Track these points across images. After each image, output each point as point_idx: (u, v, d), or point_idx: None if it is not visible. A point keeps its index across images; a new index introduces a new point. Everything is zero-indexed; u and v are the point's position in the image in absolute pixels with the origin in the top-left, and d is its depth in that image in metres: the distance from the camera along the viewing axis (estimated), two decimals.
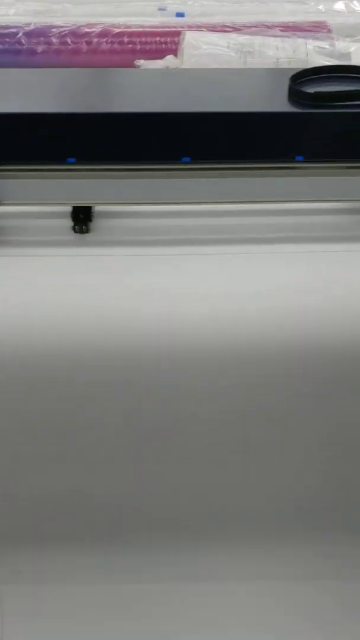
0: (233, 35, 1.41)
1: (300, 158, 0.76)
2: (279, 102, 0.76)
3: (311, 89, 0.76)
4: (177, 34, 1.51)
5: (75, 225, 0.85)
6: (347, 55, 1.37)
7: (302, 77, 0.78)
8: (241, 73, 0.98)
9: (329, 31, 1.51)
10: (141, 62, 1.47)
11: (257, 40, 1.40)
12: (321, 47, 1.39)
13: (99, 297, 0.80)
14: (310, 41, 1.42)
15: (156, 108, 0.77)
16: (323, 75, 0.80)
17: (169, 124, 0.75)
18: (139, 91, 0.83)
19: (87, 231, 0.85)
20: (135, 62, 1.47)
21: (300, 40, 1.42)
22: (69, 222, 0.86)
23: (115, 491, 0.91)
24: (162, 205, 0.85)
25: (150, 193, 0.81)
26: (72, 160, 0.76)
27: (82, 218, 0.85)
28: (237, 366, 0.79)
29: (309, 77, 0.79)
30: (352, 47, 1.39)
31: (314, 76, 0.80)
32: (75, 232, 0.85)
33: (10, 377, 0.79)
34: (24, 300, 0.79)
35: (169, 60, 1.48)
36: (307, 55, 1.37)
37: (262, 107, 0.75)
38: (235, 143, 0.76)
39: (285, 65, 1.34)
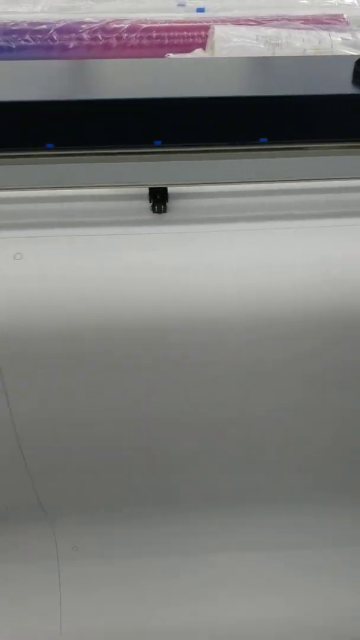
0: (261, 28, 1.48)
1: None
2: (345, 85, 0.83)
3: None
4: (203, 28, 1.58)
5: (154, 205, 0.91)
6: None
7: None
8: (298, 60, 1.04)
9: (347, 23, 1.58)
10: (171, 56, 1.53)
11: (284, 32, 1.47)
12: (345, 39, 1.47)
13: (183, 270, 0.86)
14: (333, 33, 1.49)
15: (234, 92, 0.83)
16: None
17: (250, 107, 0.81)
18: (220, 77, 0.89)
19: (164, 210, 0.91)
20: (166, 55, 1.53)
21: (324, 33, 1.49)
22: (146, 204, 0.91)
23: None
24: (233, 185, 0.91)
25: (228, 173, 0.87)
26: (159, 142, 0.82)
27: (159, 199, 0.91)
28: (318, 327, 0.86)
29: None
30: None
31: None
32: (154, 212, 0.91)
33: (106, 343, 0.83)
34: (114, 275, 0.85)
35: (198, 54, 1.54)
36: (332, 46, 1.44)
37: (335, 90, 0.81)
38: (309, 124, 0.82)
39: (311, 53, 1.41)
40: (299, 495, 1.18)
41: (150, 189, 0.91)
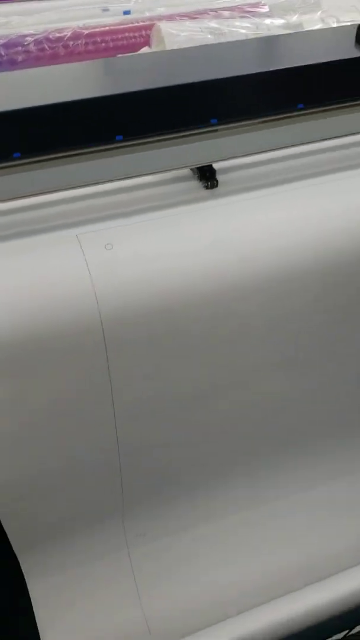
0: (204, 21, 1.58)
1: None
2: (350, 50, 0.96)
3: None
4: (144, 27, 1.65)
5: (207, 182, 0.98)
6: (300, 25, 1.60)
7: None
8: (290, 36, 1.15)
9: (269, 9, 1.73)
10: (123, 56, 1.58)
11: (224, 23, 1.59)
12: (276, 22, 1.61)
13: (252, 234, 0.94)
14: (264, 19, 1.63)
15: (262, 69, 0.92)
16: None
17: (286, 77, 0.91)
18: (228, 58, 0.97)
19: (216, 185, 0.98)
20: (117, 56, 1.59)
21: (258, 19, 1.62)
22: (196, 183, 0.99)
23: None
24: (269, 153, 1.00)
25: (263, 143, 0.97)
26: (214, 120, 0.90)
27: (208, 176, 0.98)
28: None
29: None
30: (302, 19, 1.62)
31: None
32: (207, 188, 0.98)
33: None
34: (195, 249, 0.91)
35: (146, 52, 1.61)
36: (269, 30, 1.58)
37: (334, 57, 0.93)
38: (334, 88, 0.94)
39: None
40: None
41: (199, 169, 0.99)
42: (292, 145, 1.00)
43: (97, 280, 0.85)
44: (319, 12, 1.62)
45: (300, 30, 1.58)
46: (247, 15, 1.68)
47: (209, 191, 0.98)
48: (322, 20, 1.61)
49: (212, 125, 0.91)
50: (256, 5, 1.74)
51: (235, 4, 1.75)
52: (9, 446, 0.94)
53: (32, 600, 1.21)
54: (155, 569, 1.31)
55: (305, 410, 1.18)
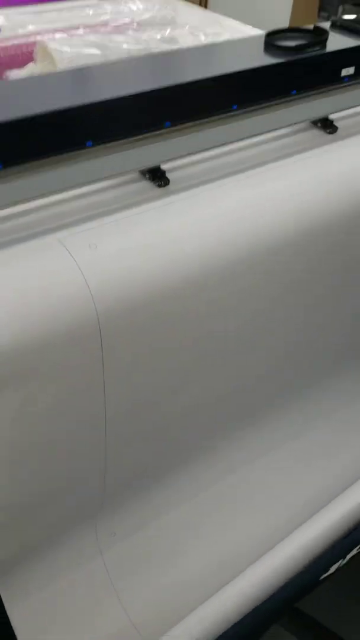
0: (88, 37, 1.65)
1: (294, 92, 1.12)
2: (261, 57, 1.10)
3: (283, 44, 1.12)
4: (24, 45, 1.68)
5: (159, 181, 1.05)
6: (174, 39, 1.74)
7: (273, 35, 1.13)
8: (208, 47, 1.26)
9: (139, 25, 1.84)
10: (12, 73, 1.61)
11: (105, 38, 1.67)
12: (153, 36, 1.72)
13: (203, 223, 1.03)
14: (138, 34, 1.74)
15: (202, 76, 1.02)
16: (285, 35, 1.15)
17: (220, 82, 1.02)
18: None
19: (168, 183, 1.06)
20: (5, 73, 1.60)
21: (135, 34, 1.73)
22: (148, 183, 1.06)
23: None
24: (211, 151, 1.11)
25: (205, 142, 1.07)
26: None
27: (159, 175, 1.06)
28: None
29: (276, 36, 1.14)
30: (174, 34, 1.75)
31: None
32: (159, 187, 1.06)
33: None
34: (165, 240, 0.98)
35: (33, 68, 1.64)
36: (147, 43, 1.69)
37: (260, 62, 1.07)
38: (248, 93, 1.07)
39: (136, 54, 1.63)
40: None
41: (149, 170, 1.06)
42: (229, 142, 1.11)
43: (89, 278, 0.89)
44: (187, 27, 1.77)
45: (175, 43, 1.71)
46: (121, 30, 1.77)
47: (162, 189, 1.06)
48: (192, 33, 1.76)
49: (166, 128, 1.00)
50: (125, 21, 1.84)
51: (105, 20, 1.84)
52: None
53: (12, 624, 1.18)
54: (129, 566, 1.34)
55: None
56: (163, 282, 0.95)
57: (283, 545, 1.22)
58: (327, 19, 4.56)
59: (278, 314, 1.20)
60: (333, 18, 1.30)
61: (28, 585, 1.24)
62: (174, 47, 1.69)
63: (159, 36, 1.69)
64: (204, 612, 1.16)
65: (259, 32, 1.29)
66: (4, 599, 1.06)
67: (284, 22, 4.08)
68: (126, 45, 1.62)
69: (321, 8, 4.46)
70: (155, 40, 1.67)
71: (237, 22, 1.98)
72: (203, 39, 1.67)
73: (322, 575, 1.19)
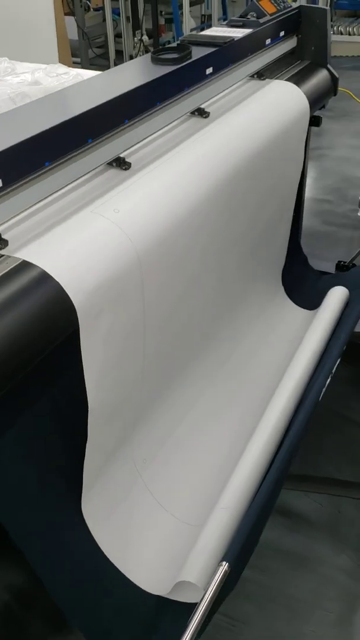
0: None
1: (185, 89, 1.59)
2: (148, 68, 1.55)
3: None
4: None
5: (123, 166, 1.43)
6: (37, 81, 2.10)
7: (156, 53, 1.58)
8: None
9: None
10: None
11: None
12: (24, 79, 2.07)
13: (178, 179, 1.45)
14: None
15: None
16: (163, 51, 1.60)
17: (144, 88, 1.44)
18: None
19: (130, 166, 1.44)
20: None
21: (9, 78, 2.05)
22: (116, 169, 1.43)
23: None
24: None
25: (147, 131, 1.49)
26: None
27: (122, 161, 1.44)
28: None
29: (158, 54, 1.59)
30: (36, 76, 2.12)
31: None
32: (123, 170, 1.43)
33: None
34: (156, 200, 1.37)
35: None
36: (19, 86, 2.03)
37: (148, 76, 1.50)
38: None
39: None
40: None
41: (115, 160, 1.43)
42: (150, 135, 1.54)
43: (125, 230, 1.25)
44: (46, 67, 2.14)
45: (39, 84, 2.07)
46: None
47: (127, 171, 1.44)
48: (48, 74, 2.13)
49: (125, 124, 1.39)
50: None
51: None
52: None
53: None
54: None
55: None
56: (164, 225, 1.34)
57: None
58: (79, 63, 5.28)
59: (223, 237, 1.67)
60: (153, 50, 1.80)
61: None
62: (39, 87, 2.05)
63: (30, 81, 2.04)
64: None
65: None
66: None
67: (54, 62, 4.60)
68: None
69: (72, 54, 5.18)
70: (26, 84, 2.01)
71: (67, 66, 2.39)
72: (66, 78, 2.06)
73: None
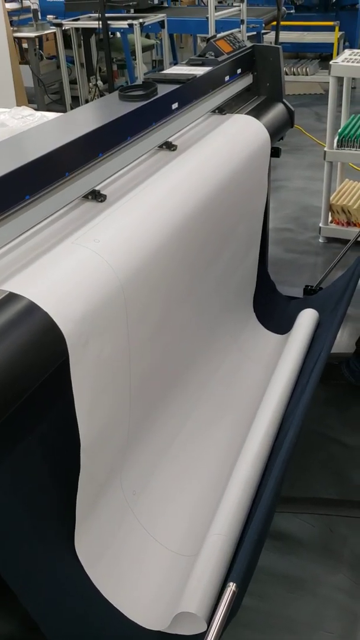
0: None
1: (153, 124, 1.63)
2: (117, 105, 1.59)
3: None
4: None
5: (98, 199, 1.45)
6: (3, 123, 2.12)
7: (123, 90, 1.62)
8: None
9: None
10: None
11: None
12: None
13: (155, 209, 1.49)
14: None
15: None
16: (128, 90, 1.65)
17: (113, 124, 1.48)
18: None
19: (105, 199, 1.47)
20: None
21: None
22: (91, 202, 1.45)
23: None
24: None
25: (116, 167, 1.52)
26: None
27: (98, 194, 1.46)
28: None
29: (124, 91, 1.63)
30: (0, 118, 2.14)
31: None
32: (99, 202, 1.45)
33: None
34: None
35: None
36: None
37: (118, 112, 1.54)
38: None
39: None
40: None
41: (90, 193, 1.45)
42: (122, 168, 1.57)
43: (107, 259, 1.26)
44: (11, 110, 2.17)
45: (10, 126, 2.09)
46: None
47: (103, 203, 1.46)
48: (13, 116, 2.16)
49: (99, 157, 1.42)
50: None
51: None
52: None
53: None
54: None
55: None
56: (142, 253, 1.37)
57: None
58: (35, 109, 5.41)
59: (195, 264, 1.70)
60: (121, 87, 1.86)
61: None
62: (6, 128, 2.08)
63: None
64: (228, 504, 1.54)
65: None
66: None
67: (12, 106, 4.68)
68: None
69: (29, 101, 5.30)
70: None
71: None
72: (31, 119, 2.09)
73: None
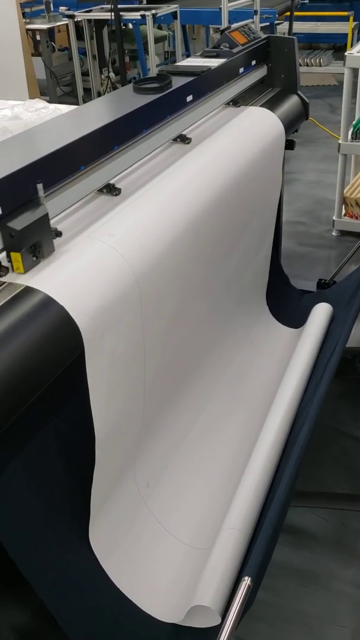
0: None
1: (168, 116, 1.62)
2: (132, 97, 1.58)
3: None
4: None
5: (114, 193, 1.45)
6: (17, 116, 2.13)
7: (138, 83, 1.62)
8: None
9: None
10: None
11: None
12: (5, 114, 2.09)
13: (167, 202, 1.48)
14: None
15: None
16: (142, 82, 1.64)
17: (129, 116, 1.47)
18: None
19: (120, 193, 1.46)
20: None
21: None
22: (107, 195, 1.44)
23: None
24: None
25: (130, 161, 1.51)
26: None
27: (112, 188, 1.46)
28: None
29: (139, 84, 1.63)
30: (15, 111, 2.14)
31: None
32: (114, 195, 1.45)
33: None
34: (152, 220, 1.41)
35: None
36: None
37: (133, 105, 1.53)
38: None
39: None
40: None
41: (105, 186, 1.45)
42: (137, 161, 1.56)
43: (122, 252, 1.26)
44: (25, 103, 2.17)
45: (19, 119, 2.10)
46: None
47: (119, 196, 1.46)
48: (27, 109, 2.16)
49: (114, 150, 1.41)
50: None
51: None
52: None
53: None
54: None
55: None
56: (157, 247, 1.36)
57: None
58: (48, 101, 5.40)
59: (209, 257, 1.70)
60: (135, 80, 1.85)
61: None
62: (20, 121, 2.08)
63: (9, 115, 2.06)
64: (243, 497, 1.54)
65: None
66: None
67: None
68: None
69: (41, 93, 5.30)
70: (7, 119, 2.03)
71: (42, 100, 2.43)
72: (45, 112, 2.09)
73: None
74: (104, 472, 1.35)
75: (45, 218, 1.15)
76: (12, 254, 1.11)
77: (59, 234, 1.22)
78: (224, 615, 1.25)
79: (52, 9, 5.38)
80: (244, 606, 1.17)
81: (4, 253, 1.16)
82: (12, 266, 1.12)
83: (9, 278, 1.13)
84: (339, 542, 1.70)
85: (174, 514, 1.63)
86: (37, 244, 1.14)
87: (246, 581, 1.17)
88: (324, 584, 1.61)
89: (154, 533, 1.58)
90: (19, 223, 1.10)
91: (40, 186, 1.15)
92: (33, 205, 1.14)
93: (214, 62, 1.92)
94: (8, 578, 1.53)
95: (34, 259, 1.14)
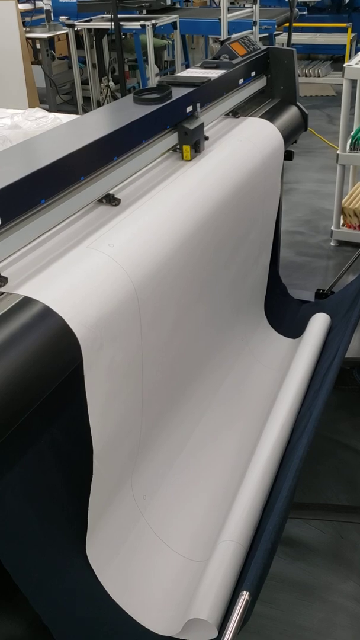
0: None
1: (168, 127, 1.62)
2: (132, 108, 1.58)
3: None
4: None
5: (113, 203, 1.45)
6: (17, 124, 2.13)
7: (138, 93, 1.62)
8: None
9: None
10: None
11: None
12: (4, 123, 2.09)
13: (167, 212, 1.48)
14: None
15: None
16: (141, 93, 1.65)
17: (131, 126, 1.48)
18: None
19: (119, 203, 1.46)
20: None
21: None
22: (106, 206, 1.44)
23: None
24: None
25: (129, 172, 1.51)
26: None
27: (112, 198, 1.46)
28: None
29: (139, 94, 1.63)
30: (14, 120, 2.15)
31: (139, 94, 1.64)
32: (114, 205, 1.45)
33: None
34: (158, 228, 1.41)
35: None
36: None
37: (133, 115, 1.54)
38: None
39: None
40: None
41: (105, 197, 1.45)
42: (139, 170, 1.56)
43: (121, 263, 1.26)
44: (25, 112, 2.17)
45: (18, 128, 2.10)
46: None
47: (117, 207, 1.46)
48: (26, 118, 2.16)
49: (114, 161, 1.41)
50: None
51: None
52: None
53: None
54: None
55: None
56: (156, 258, 1.36)
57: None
58: (47, 110, 5.44)
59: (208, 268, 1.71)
60: (135, 90, 1.86)
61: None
62: (20, 130, 2.08)
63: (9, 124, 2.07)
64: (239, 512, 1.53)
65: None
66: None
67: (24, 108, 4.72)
68: None
69: (40, 101, 5.32)
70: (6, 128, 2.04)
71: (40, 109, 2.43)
72: (45, 121, 2.09)
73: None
74: (102, 483, 1.34)
75: None
76: None
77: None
78: (221, 628, 1.24)
79: (52, 18, 5.41)
80: (242, 621, 1.16)
81: (4, 262, 1.16)
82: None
83: (7, 288, 1.12)
84: (336, 555, 1.69)
85: (171, 525, 1.62)
86: None
87: (244, 595, 1.16)
88: (321, 596, 1.60)
89: (151, 545, 1.57)
90: None
91: None
92: None
93: (214, 73, 1.93)
94: (3, 589, 1.52)
95: None
